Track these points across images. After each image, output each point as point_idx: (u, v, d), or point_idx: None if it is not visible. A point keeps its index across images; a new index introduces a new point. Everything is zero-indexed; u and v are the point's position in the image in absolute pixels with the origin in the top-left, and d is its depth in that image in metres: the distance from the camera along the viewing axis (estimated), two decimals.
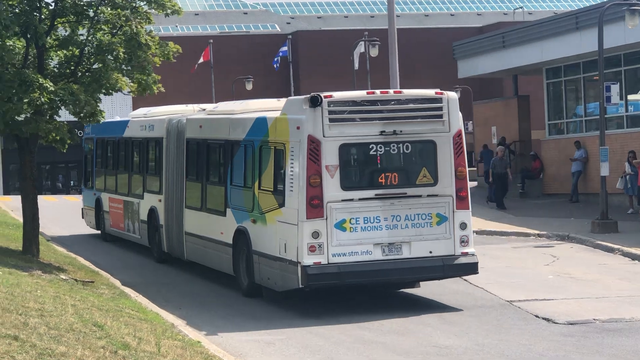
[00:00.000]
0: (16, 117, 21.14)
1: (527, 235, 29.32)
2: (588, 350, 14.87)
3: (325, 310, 18.12)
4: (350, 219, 17.11)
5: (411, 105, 17.64)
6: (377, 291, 19.77)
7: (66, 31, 22.70)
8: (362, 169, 17.82)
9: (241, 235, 19.19)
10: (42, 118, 21.05)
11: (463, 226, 17.63)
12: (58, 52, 22.73)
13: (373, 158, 17.48)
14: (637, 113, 35.05)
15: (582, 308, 17.92)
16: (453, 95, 17.87)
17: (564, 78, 38.75)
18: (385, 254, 17.33)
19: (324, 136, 17.00)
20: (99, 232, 29.62)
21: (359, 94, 18.04)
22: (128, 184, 26.82)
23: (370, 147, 17.38)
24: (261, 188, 18.51)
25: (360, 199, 17.23)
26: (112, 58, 21.91)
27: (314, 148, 16.93)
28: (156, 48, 22.10)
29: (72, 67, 22.32)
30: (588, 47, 33.66)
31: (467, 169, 17.90)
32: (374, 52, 48.79)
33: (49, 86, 20.31)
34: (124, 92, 22.76)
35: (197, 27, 78.48)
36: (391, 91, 18.10)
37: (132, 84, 22.47)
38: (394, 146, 17.48)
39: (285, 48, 63.79)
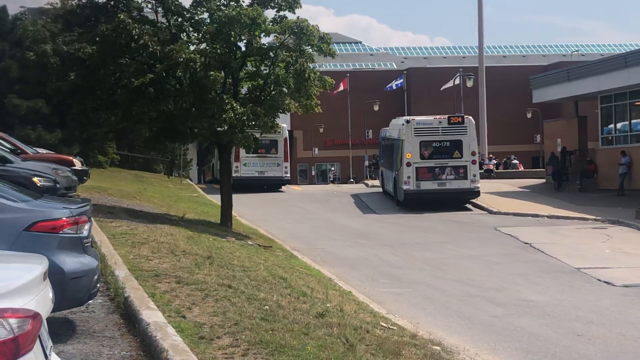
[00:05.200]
0: (218, 129, 22.09)
1: (585, 219, 30.37)
2: None
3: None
4: None
5: None
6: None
7: (253, 67, 23.40)
8: None
9: None
10: (235, 130, 21.98)
11: None
12: (248, 83, 23.64)
13: None
14: None
15: (634, 275, 18.72)
16: None
17: (614, 103, 40.80)
18: None
19: None
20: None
21: None
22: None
23: None
24: None
25: None
26: (285, 88, 22.62)
27: None
28: (317, 80, 22.63)
29: (257, 94, 23.08)
30: (634, 80, 36.55)
31: None
32: (470, 83, 52.71)
33: (237, 108, 21.20)
34: (291, 112, 23.40)
35: (337, 64, 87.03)
36: None
37: (298, 106, 23.08)
38: None
39: (400, 80, 75.27)
